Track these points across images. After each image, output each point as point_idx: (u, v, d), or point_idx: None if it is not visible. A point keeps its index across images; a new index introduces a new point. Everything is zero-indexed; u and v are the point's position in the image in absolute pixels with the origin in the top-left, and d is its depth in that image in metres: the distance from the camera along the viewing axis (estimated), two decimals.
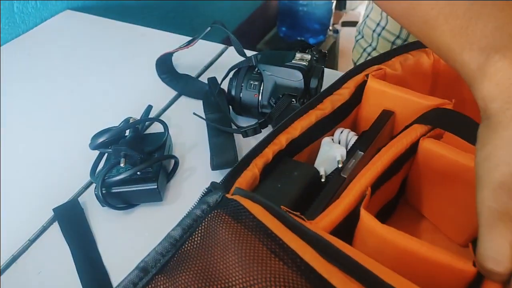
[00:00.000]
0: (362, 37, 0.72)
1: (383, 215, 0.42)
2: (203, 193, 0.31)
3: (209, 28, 0.58)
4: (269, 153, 0.36)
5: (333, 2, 1.84)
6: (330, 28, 1.90)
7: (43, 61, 0.71)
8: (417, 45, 0.44)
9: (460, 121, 0.37)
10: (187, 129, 0.56)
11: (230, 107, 0.56)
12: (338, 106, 0.41)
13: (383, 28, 0.66)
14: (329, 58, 1.96)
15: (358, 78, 0.42)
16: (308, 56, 0.53)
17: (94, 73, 0.68)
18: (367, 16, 0.70)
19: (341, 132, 0.42)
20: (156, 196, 0.45)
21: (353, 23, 2.21)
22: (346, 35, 2.02)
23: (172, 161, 0.49)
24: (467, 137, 0.36)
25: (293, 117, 0.38)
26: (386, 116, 0.41)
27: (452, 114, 0.38)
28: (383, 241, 0.29)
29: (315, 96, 0.41)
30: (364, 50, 0.72)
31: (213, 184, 0.32)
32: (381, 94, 0.42)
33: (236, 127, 0.52)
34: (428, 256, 0.28)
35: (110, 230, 0.44)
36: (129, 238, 0.43)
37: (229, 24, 1.71)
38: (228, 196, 0.31)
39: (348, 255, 0.26)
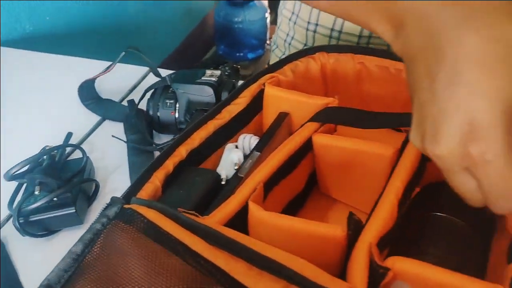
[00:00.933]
0: (277, 47, 0.76)
1: (294, 207, 0.45)
2: (103, 208, 0.33)
3: (123, 53, 0.60)
4: (169, 164, 0.39)
5: (267, 17, 1.91)
6: (268, 42, 1.97)
7: None
8: (305, 53, 0.49)
9: (345, 113, 0.42)
10: (110, 152, 0.58)
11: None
12: (236, 114, 0.44)
13: (292, 37, 0.71)
14: None
15: (254, 87, 0.46)
16: (218, 72, 0.56)
17: (17, 107, 0.68)
18: (279, 28, 0.75)
19: (244, 138, 0.45)
20: (76, 220, 0.46)
21: None
22: None
23: (94, 185, 0.51)
24: (352, 124, 0.41)
25: (192, 129, 0.41)
26: (281, 117, 0.45)
27: (337, 110, 0.43)
28: (269, 225, 0.33)
29: (214, 107, 0.44)
30: (280, 59, 0.76)
31: (113, 198, 0.34)
32: (278, 99, 0.46)
33: (154, 145, 0.54)
34: (305, 230, 0.32)
35: (34, 259, 0.45)
36: (53, 264, 0.44)
37: (167, 46, 1.74)
38: (126, 206, 0.33)
39: (232, 239, 0.29)
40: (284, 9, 0.72)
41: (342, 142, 0.40)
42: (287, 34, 0.71)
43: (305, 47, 0.69)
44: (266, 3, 1.91)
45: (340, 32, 0.64)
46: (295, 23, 0.68)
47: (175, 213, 0.31)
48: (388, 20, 0.28)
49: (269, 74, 0.47)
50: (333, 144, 0.41)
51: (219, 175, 0.40)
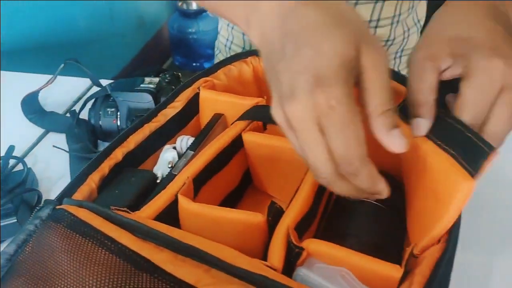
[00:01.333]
0: (219, 52, 0.79)
1: (231, 202, 0.47)
2: (36, 209, 0.35)
3: (62, 65, 0.61)
4: (105, 167, 0.40)
5: None
6: None
7: None
8: (237, 57, 0.51)
9: (268, 111, 0.45)
10: (54, 163, 0.58)
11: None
12: (171, 117, 0.46)
13: (232, 42, 0.74)
14: None
15: (189, 91, 0.48)
16: (157, 79, 0.58)
17: None
18: (219, 33, 0.78)
19: (182, 140, 0.47)
20: (18, 230, 0.46)
21: None
22: None
23: (37, 195, 0.51)
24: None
25: (127, 132, 0.43)
26: (216, 118, 0.48)
27: (262, 108, 0.45)
28: (197, 216, 0.35)
29: (150, 111, 0.46)
30: (213, 64, 0.79)
31: (46, 201, 0.35)
32: (213, 102, 0.49)
33: (96, 152, 0.55)
34: (230, 218, 0.34)
35: None
36: None
37: (122, 59, 1.74)
38: (58, 207, 0.34)
39: (157, 230, 0.30)
40: None
41: (268, 139, 0.43)
42: (227, 39, 0.74)
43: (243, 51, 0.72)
44: None
45: None
46: (232, 28, 0.71)
47: (104, 210, 0.33)
48: (242, 17, 0.32)
49: (204, 78, 0.49)
50: (261, 142, 0.43)
51: (155, 175, 0.42)
